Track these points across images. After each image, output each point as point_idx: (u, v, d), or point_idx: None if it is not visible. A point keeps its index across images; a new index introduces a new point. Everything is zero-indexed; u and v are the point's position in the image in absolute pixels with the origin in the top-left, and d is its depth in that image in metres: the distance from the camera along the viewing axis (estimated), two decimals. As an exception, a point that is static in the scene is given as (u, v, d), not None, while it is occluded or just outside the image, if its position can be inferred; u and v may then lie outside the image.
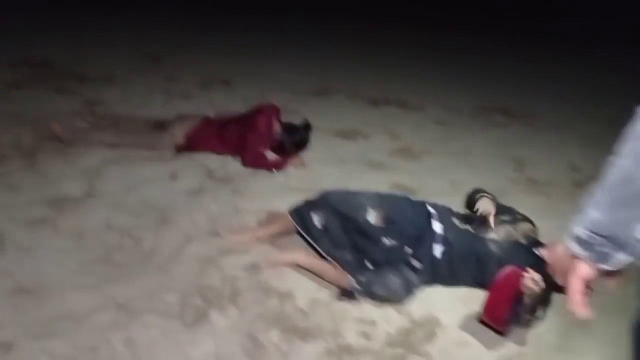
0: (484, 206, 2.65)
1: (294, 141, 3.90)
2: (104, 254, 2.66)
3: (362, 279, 2.36)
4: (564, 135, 4.93)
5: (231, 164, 3.82)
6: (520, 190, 3.77)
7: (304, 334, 2.19)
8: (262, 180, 3.62)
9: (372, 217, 2.53)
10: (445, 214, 2.64)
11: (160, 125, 4.09)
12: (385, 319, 2.32)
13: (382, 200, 2.63)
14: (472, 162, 4.20)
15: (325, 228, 2.59)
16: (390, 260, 2.42)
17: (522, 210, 2.90)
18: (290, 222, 2.74)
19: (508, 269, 2.26)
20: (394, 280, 2.33)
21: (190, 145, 3.90)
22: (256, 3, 11.03)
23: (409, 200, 2.74)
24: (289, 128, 3.95)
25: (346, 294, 2.37)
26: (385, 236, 2.48)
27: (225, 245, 2.75)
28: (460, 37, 9.41)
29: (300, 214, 2.72)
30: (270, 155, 3.88)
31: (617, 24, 11.24)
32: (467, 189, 3.40)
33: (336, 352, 2.12)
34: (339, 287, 2.43)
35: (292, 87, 5.85)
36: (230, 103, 5.09)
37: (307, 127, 3.95)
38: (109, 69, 5.77)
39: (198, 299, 2.35)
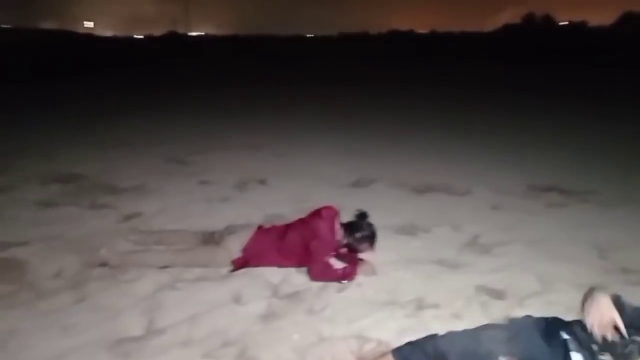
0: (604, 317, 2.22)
1: (363, 236, 3.60)
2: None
3: None
4: (634, 210, 4.63)
5: (295, 278, 3.48)
6: (618, 282, 3.40)
7: None
8: (335, 295, 3.25)
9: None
10: (583, 339, 2.21)
11: (210, 238, 3.80)
12: None
13: (511, 341, 2.21)
14: (551, 251, 3.86)
15: None
16: None
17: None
18: None
19: None
20: None
21: (249, 260, 3.57)
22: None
23: (538, 330, 2.28)
24: (349, 227, 3.65)
25: None
26: None
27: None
28: (483, 114, 9.37)
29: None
30: (337, 264, 3.55)
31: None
32: (559, 285, 3.05)
33: None
34: None
35: (329, 181, 5.62)
36: (271, 203, 4.83)
37: (363, 216, 3.66)
38: (139, 177, 5.55)
39: None
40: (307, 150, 6.98)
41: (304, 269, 3.52)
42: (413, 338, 2.65)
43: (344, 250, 3.67)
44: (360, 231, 3.62)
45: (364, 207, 4.28)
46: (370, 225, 3.65)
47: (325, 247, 3.51)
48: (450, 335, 2.30)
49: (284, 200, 4.95)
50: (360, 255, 3.62)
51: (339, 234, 3.60)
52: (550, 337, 2.19)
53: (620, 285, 3.33)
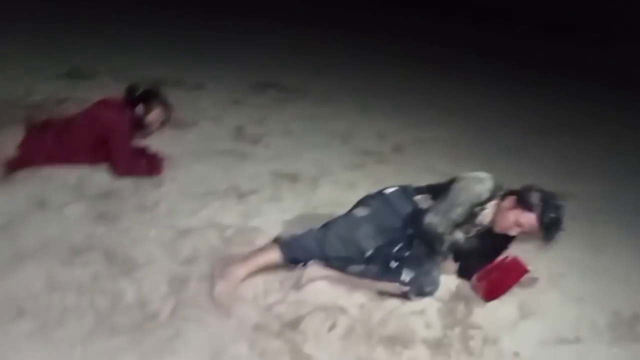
0: None
1: (153, 102, 3.26)
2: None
3: (407, 279, 2.40)
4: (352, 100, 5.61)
5: (93, 177, 3.12)
6: (369, 161, 4.24)
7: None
8: (156, 190, 3.12)
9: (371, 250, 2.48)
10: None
11: None
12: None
13: (377, 231, 2.49)
14: (303, 140, 4.44)
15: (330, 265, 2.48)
16: (418, 256, 2.49)
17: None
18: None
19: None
20: (436, 274, 2.51)
21: (30, 159, 2.99)
22: None
23: (391, 203, 2.59)
24: (137, 101, 3.24)
25: (397, 296, 2.44)
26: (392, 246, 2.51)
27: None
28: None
29: (294, 259, 2.45)
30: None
31: None
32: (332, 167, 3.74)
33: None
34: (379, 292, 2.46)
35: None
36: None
37: (133, 89, 3.29)
38: None
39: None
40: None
41: (97, 167, 3.18)
42: (257, 223, 2.90)
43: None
44: (152, 98, 3.28)
45: (86, 98, 3.98)
46: (151, 89, 3.35)
47: (124, 140, 3.21)
48: (330, 230, 2.48)
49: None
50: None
51: (136, 125, 3.29)
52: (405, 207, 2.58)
53: (372, 165, 4.17)
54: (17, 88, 4.39)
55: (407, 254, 2.51)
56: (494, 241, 2.56)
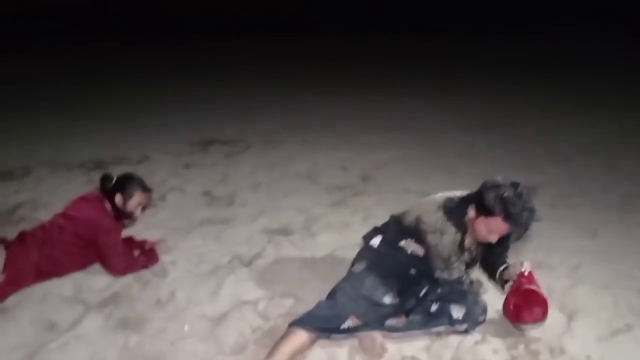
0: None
1: (129, 184, 3.01)
2: None
3: (460, 316, 2.37)
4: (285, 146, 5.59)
5: (90, 282, 2.89)
6: (360, 187, 4.26)
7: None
8: (162, 280, 2.92)
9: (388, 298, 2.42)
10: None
11: None
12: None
13: (382, 280, 2.43)
14: (281, 189, 4.39)
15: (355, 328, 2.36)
16: (455, 290, 2.45)
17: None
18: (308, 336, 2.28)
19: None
20: (481, 300, 2.48)
21: (17, 282, 2.72)
22: None
23: (382, 254, 2.54)
24: (113, 191, 3.00)
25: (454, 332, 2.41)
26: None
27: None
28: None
29: (321, 328, 2.31)
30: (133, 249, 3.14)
31: None
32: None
33: None
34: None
35: None
36: None
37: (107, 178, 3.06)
38: None
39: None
40: None
41: (87, 270, 2.96)
42: (281, 289, 2.81)
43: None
44: (128, 184, 3.02)
45: (34, 199, 4.04)
46: (125, 175, 3.11)
47: (114, 235, 2.99)
48: (337, 298, 2.41)
49: None
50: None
51: (118, 216, 3.07)
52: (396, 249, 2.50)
53: (352, 199, 4.15)
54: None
55: (439, 291, 2.49)
56: (492, 245, 2.45)
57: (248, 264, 3.13)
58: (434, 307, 2.43)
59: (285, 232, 3.58)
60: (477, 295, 2.52)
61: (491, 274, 2.65)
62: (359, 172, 4.76)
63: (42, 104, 7.67)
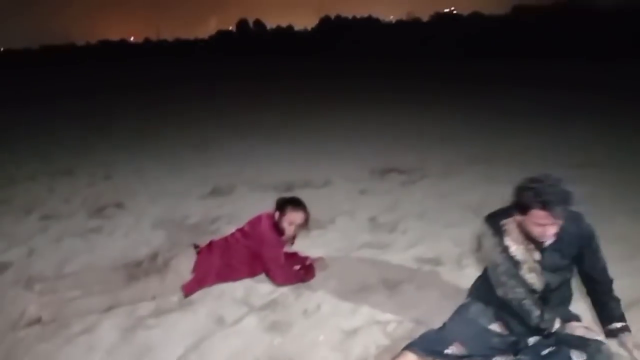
0: None
1: (289, 207, 3.46)
2: None
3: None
4: (459, 178, 5.67)
5: (256, 288, 3.41)
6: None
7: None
8: (314, 293, 3.32)
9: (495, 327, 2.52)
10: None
11: (137, 269, 3.49)
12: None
13: (485, 306, 2.56)
14: (437, 220, 4.53)
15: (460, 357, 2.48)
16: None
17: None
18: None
19: None
20: (606, 348, 2.42)
21: (201, 280, 3.36)
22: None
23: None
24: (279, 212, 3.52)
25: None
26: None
27: None
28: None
29: (430, 350, 2.45)
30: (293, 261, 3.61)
31: None
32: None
33: None
34: None
35: (186, 194, 5.43)
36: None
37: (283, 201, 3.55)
38: None
39: None
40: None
41: (257, 278, 3.49)
42: (413, 315, 2.97)
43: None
44: (284, 204, 3.49)
45: (232, 214, 4.57)
46: (286, 197, 3.60)
47: (275, 250, 3.49)
48: (445, 324, 2.56)
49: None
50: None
51: (280, 232, 3.57)
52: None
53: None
54: (174, 212, 4.95)
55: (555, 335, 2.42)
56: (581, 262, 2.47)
57: (391, 287, 3.36)
58: (545, 351, 2.39)
59: (436, 262, 3.72)
60: (600, 342, 2.39)
61: (599, 316, 2.56)
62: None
63: (251, 130, 8.94)
